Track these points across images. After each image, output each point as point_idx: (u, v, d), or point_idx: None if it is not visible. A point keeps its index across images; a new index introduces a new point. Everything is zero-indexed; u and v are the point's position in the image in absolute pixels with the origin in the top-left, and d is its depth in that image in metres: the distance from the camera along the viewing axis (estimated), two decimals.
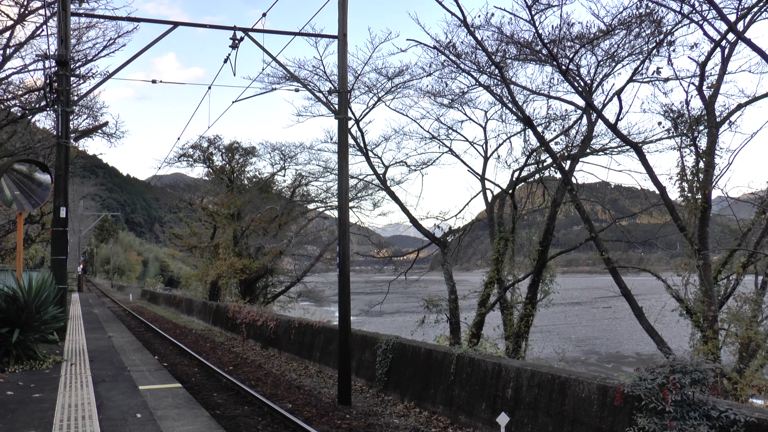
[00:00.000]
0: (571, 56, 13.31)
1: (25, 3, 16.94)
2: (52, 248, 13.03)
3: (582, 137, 16.12)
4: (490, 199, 18.91)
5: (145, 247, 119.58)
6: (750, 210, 12.10)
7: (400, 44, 40.78)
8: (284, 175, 33.74)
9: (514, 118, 16.65)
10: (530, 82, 24.87)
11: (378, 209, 35.33)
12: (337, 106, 12.27)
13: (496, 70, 14.54)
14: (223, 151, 34.45)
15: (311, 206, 32.96)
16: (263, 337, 20.48)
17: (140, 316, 33.00)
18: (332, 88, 14.68)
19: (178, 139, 21.91)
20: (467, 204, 20.94)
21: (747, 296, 10.98)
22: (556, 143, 16.18)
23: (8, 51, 18.02)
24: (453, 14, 13.89)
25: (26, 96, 19.69)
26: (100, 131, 22.69)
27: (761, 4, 10.49)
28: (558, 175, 16.02)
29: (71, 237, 46.57)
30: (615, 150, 16.68)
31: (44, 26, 17.05)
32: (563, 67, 12.99)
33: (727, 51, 11.15)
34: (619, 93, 13.30)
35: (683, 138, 11.61)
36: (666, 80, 12.69)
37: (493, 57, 14.18)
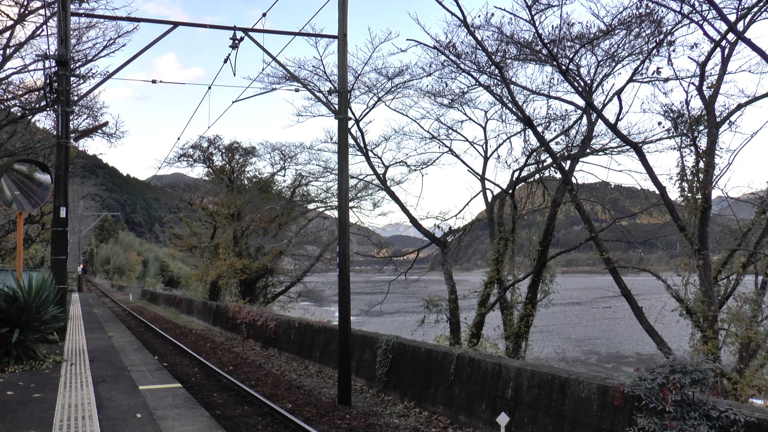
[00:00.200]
0: (571, 56, 13.31)
1: (25, 3, 16.94)
2: (52, 248, 13.03)
3: (582, 137, 16.12)
4: (490, 199, 18.91)
5: (145, 247, 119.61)
6: (750, 210, 12.10)
7: (400, 44, 40.81)
8: (284, 175, 33.80)
9: (514, 118, 16.66)
10: (530, 82, 24.90)
11: (378, 209, 35.34)
12: (337, 106, 12.27)
13: (496, 70, 14.54)
14: (223, 151, 34.47)
15: (311, 206, 32.98)
16: (263, 337, 20.48)
17: (140, 316, 33.00)
18: (332, 88, 14.68)
19: (178, 139, 21.94)
20: (467, 204, 20.96)
21: (747, 296, 10.98)
22: (556, 143, 16.20)
23: (8, 51, 18.02)
24: (453, 14, 13.91)
25: (26, 96, 19.69)
26: (100, 131, 22.69)
27: (761, 4, 10.49)
28: (558, 175, 16.02)
29: (71, 237, 46.57)
30: (615, 150, 16.69)
31: (44, 26, 17.06)
32: (563, 67, 12.99)
33: (727, 51, 11.15)
34: (619, 93, 13.31)
35: (683, 138, 11.61)
36: (666, 80, 12.70)
37: (493, 57, 14.18)
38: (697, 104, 17.73)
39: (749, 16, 10.70)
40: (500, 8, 25.96)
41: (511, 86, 15.32)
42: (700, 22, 11.50)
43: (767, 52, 10.14)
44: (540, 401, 8.33)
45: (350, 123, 18.67)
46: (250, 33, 12.58)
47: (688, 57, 19.34)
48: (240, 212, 32.64)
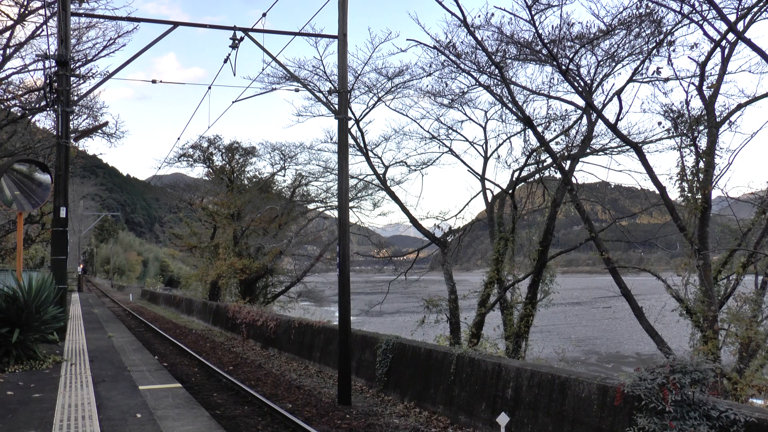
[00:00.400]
0: (571, 56, 13.31)
1: (25, 3, 16.94)
2: (52, 248, 13.03)
3: (582, 137, 16.12)
4: (490, 199, 18.92)
5: (145, 247, 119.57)
6: (750, 210, 12.10)
7: (400, 44, 40.81)
8: (284, 175, 33.81)
9: (514, 118, 16.65)
10: (530, 82, 24.90)
11: (378, 209, 35.37)
12: (337, 106, 12.27)
13: (496, 70, 14.54)
14: (223, 151, 34.48)
15: (311, 206, 32.99)
16: (263, 337, 20.47)
17: (140, 316, 33.00)
18: (332, 88, 14.68)
19: (178, 139, 21.94)
20: (467, 204, 20.95)
21: (747, 296, 10.98)
22: (556, 143, 16.19)
23: (8, 51, 18.02)
24: (453, 14, 13.91)
25: (26, 96, 19.69)
26: (100, 131, 22.70)
27: (761, 4, 10.49)
28: (558, 175, 16.02)
29: (71, 237, 46.57)
30: (615, 150, 16.69)
31: (44, 26, 17.06)
32: (563, 67, 12.99)
33: (727, 51, 11.15)
34: (619, 93, 13.31)
35: (683, 138, 11.61)
36: (666, 80, 12.70)
37: (493, 57, 14.18)
38: (697, 104, 17.77)
39: (749, 16, 10.70)
40: (500, 8, 25.97)
41: (511, 86, 15.33)
42: (700, 22, 11.51)
43: (767, 52, 10.14)
44: (540, 401, 8.33)
45: (350, 123, 18.67)
46: (250, 33, 12.58)
47: (688, 57, 19.36)
48: (240, 212, 32.64)
